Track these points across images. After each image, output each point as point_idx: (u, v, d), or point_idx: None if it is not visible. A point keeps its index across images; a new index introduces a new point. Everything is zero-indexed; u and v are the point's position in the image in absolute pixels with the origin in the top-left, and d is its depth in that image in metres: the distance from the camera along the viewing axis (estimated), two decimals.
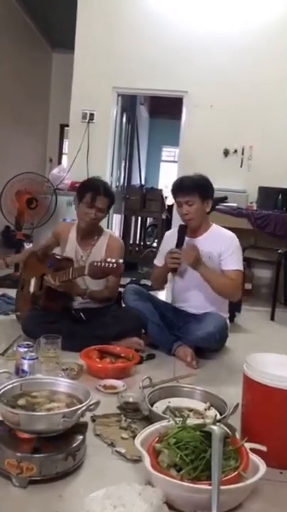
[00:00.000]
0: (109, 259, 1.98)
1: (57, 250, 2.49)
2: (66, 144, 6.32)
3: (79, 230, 2.40)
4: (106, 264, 1.96)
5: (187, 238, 2.27)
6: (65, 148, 6.52)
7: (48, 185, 4.14)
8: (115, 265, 1.95)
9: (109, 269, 1.97)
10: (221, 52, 4.57)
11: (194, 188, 2.23)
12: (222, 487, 1.04)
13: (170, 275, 2.36)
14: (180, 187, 2.28)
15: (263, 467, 1.16)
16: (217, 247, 2.25)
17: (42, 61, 6.66)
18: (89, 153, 4.72)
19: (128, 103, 5.92)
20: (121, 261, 1.97)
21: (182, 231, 2.24)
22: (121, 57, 4.70)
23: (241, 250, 2.30)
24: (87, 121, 4.77)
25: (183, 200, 2.24)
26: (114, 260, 1.96)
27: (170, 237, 2.37)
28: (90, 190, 2.28)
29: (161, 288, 2.74)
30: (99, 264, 1.98)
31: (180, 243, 2.22)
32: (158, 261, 2.44)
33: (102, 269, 1.97)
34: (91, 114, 4.78)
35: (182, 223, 2.29)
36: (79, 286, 2.26)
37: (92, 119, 4.79)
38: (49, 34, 6.35)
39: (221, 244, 2.25)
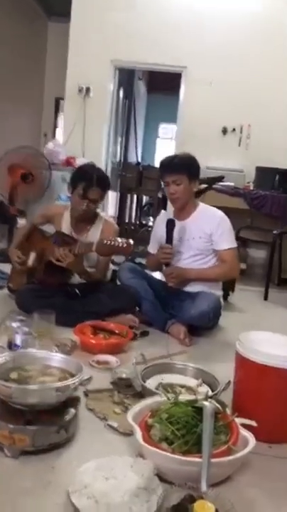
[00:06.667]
0: (119, 239, 1.96)
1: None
2: (61, 118, 6.17)
3: (73, 216, 2.36)
4: (116, 243, 1.94)
5: (176, 221, 2.27)
6: (60, 123, 6.36)
7: (43, 160, 4.07)
8: (125, 245, 1.93)
9: (118, 248, 1.95)
10: (221, 28, 4.44)
11: (181, 167, 2.22)
12: (212, 460, 1.06)
13: None
14: (168, 166, 2.26)
15: (252, 441, 1.18)
16: (206, 227, 2.26)
17: (37, 30, 6.40)
18: (85, 128, 4.62)
19: (126, 77, 5.77)
20: (131, 241, 1.95)
21: (171, 225, 2.24)
22: (120, 29, 4.55)
23: (231, 227, 2.30)
24: (83, 95, 4.66)
25: (171, 179, 2.23)
26: (125, 240, 1.95)
27: (161, 222, 2.37)
28: (83, 180, 2.21)
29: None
30: (108, 242, 1.96)
31: (169, 238, 2.24)
32: (152, 248, 2.46)
33: (111, 248, 1.96)
34: (88, 88, 4.66)
35: (170, 218, 2.28)
36: (83, 265, 2.24)
37: (88, 93, 4.67)
38: (44, 1, 6.09)
39: (210, 224, 2.25)
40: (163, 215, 2.47)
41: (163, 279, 2.53)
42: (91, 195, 2.21)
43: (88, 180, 2.20)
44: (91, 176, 2.21)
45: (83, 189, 2.20)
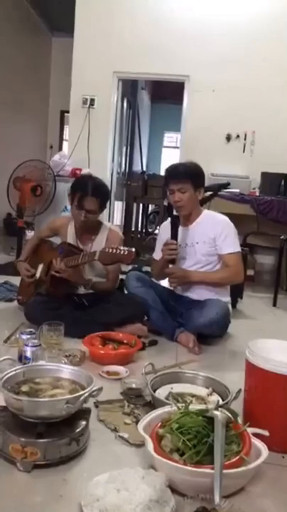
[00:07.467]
0: (121, 247, 1.97)
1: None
2: (67, 130, 6.25)
3: (76, 227, 2.37)
4: (118, 251, 1.95)
5: (181, 227, 2.28)
6: (66, 135, 6.45)
7: (49, 172, 4.12)
8: (126, 252, 1.94)
9: (120, 256, 1.95)
10: (223, 36, 4.48)
11: (187, 175, 2.23)
12: (225, 471, 1.05)
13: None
14: (173, 174, 2.27)
15: (265, 451, 1.17)
16: (210, 231, 2.26)
17: (41, 46, 6.53)
18: (89, 139, 4.67)
19: (129, 88, 5.83)
20: (133, 249, 1.96)
21: (175, 222, 2.25)
22: (122, 41, 4.62)
23: (235, 231, 2.29)
24: (87, 106, 4.72)
25: (176, 187, 2.24)
26: (126, 248, 1.96)
27: (165, 228, 2.37)
28: (78, 190, 2.21)
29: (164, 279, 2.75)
30: (110, 250, 1.97)
31: (174, 234, 2.23)
32: (156, 255, 2.45)
33: (113, 256, 1.96)
34: (92, 100, 4.72)
35: (175, 213, 2.28)
36: (83, 276, 2.25)
37: (93, 105, 4.73)
38: (48, 18, 6.22)
39: (213, 229, 2.25)
40: (168, 222, 2.45)
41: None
42: (87, 206, 2.20)
43: (83, 190, 2.20)
44: (85, 185, 2.21)
45: (78, 199, 2.20)
